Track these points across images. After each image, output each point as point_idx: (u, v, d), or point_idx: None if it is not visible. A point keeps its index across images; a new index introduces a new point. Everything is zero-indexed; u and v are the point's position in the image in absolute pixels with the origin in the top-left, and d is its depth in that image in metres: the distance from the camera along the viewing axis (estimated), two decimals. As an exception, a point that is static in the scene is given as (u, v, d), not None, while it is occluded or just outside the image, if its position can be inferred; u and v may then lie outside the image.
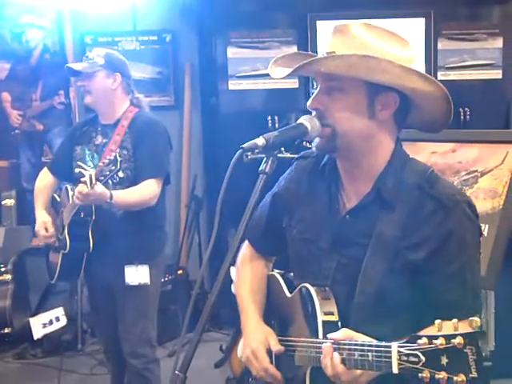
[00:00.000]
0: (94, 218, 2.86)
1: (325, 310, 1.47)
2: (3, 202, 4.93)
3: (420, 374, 1.14)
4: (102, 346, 3.40)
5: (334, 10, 4.80)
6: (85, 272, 3.01)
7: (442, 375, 1.11)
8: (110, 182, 2.75)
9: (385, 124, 1.49)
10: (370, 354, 1.25)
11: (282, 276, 1.74)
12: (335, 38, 1.48)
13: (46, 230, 3.00)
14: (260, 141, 1.40)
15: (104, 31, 5.04)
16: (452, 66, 5.07)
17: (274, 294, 1.74)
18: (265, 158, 1.42)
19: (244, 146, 1.38)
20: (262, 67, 5.00)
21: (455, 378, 1.10)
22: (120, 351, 3.06)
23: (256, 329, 1.66)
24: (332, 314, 1.46)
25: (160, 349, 4.21)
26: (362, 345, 1.28)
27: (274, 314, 1.71)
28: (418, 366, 1.14)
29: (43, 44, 5.19)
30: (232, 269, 1.77)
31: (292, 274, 1.71)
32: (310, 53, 1.59)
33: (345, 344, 1.32)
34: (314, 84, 1.55)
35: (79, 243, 2.90)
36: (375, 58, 1.40)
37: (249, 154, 1.40)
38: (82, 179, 2.59)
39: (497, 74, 5.13)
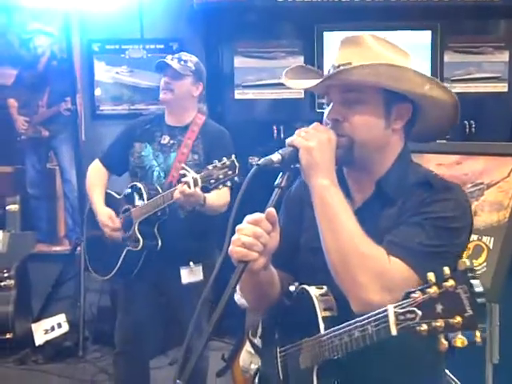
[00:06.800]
0: (165, 217, 2.92)
1: (324, 307, 1.46)
2: (7, 208, 4.94)
3: (418, 328, 1.13)
4: (119, 347, 3.22)
5: (341, 21, 4.80)
6: (139, 269, 3.04)
7: (439, 323, 1.11)
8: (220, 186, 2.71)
9: (396, 133, 1.52)
10: (369, 326, 1.24)
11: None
12: (350, 49, 1.50)
13: (113, 221, 3.06)
14: (275, 157, 1.41)
15: (111, 39, 5.06)
16: (458, 78, 5.07)
17: (272, 307, 1.68)
18: (281, 173, 1.42)
19: (259, 162, 1.38)
20: (268, 77, 5.01)
21: (451, 321, 1.10)
22: (141, 352, 3.13)
23: None
24: (332, 309, 1.46)
25: (162, 357, 4.22)
26: (360, 321, 1.28)
27: (276, 325, 1.67)
28: (415, 321, 1.13)
29: (51, 51, 5.21)
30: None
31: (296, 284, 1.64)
32: (312, 67, 1.61)
33: (344, 327, 1.32)
34: (325, 97, 1.54)
35: (148, 241, 2.97)
36: (401, 67, 1.45)
37: (254, 158, 1.38)
38: (183, 179, 2.64)
39: (503, 87, 5.13)
